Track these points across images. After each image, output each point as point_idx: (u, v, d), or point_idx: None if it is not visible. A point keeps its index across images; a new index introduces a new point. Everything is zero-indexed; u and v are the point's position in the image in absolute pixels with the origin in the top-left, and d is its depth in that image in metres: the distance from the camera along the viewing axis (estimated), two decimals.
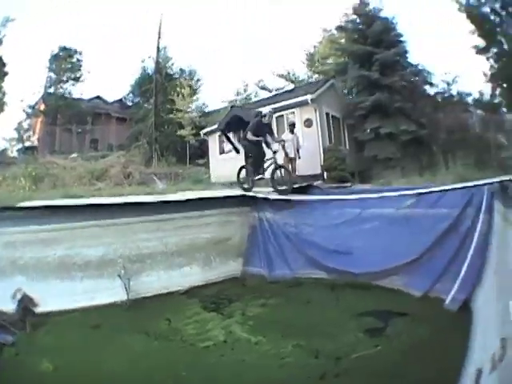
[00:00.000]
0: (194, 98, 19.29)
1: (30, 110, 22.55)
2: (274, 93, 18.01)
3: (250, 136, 8.32)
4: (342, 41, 15.13)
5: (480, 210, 5.91)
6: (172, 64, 20.52)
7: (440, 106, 13.72)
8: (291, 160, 10.36)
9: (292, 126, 10.76)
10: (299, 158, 10.47)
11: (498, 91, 17.70)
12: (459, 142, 12.48)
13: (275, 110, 12.21)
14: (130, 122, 21.50)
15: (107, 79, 38.49)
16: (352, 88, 14.43)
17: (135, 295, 5.62)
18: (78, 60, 22.47)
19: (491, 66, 17.45)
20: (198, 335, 4.76)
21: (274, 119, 12.26)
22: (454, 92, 16.93)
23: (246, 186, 8.96)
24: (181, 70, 20.84)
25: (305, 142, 11.50)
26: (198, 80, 21.13)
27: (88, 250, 5.72)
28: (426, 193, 6.99)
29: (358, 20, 14.09)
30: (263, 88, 21.07)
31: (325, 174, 11.41)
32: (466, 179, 8.97)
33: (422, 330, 4.55)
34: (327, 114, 12.29)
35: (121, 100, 23.87)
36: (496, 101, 17.21)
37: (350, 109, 12.99)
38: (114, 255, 5.80)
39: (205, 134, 14.79)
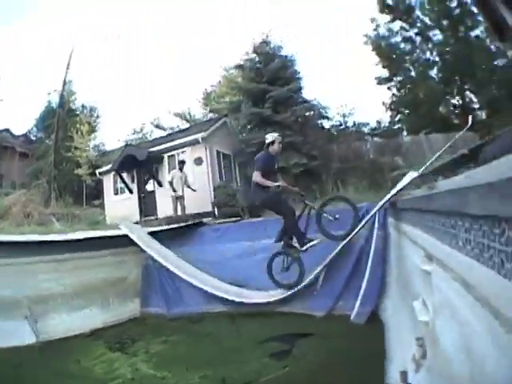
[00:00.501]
0: (92, 135, 18.81)
1: None
2: (168, 131, 18.03)
3: (259, 179, 5.61)
4: (240, 79, 15.16)
5: (373, 227, 6.25)
6: (75, 99, 19.63)
7: (334, 138, 14.22)
8: (178, 198, 10.13)
9: (181, 163, 10.54)
10: (194, 190, 10.37)
11: (397, 118, 19.00)
12: (352, 169, 12.83)
13: (168, 150, 12.05)
14: (32, 157, 20.10)
15: (15, 111, 35.77)
16: (245, 126, 14.45)
17: (46, 337, 5.76)
18: None
19: (393, 95, 18.82)
20: (107, 374, 4.91)
21: (166, 158, 12.04)
22: (350, 123, 17.95)
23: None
24: (82, 105, 20.00)
25: (196, 180, 11.37)
26: (98, 117, 20.52)
27: None
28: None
29: (257, 58, 14.27)
30: (158, 127, 21.16)
31: (216, 210, 11.18)
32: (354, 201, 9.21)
33: (330, 347, 4.76)
34: (218, 152, 12.30)
35: (25, 134, 22.32)
36: (395, 127, 18.38)
37: (241, 146, 13.05)
38: (19, 296, 5.81)
39: (100, 174, 14.18)
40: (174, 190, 9.99)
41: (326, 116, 16.30)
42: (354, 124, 18.13)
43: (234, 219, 9.64)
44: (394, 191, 5.41)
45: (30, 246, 6.13)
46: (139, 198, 12.70)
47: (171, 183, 9.98)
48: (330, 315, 6.23)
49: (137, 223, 11.60)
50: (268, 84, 13.06)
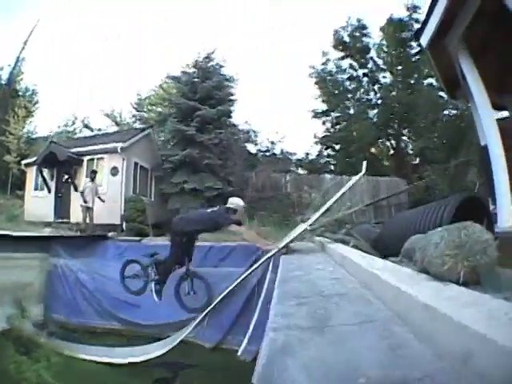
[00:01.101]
0: (28, 121, 18.57)
1: None
2: (95, 132, 18.10)
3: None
4: (174, 91, 15.36)
5: (268, 268, 6.69)
6: (21, 79, 19.17)
7: (259, 163, 14.69)
8: (88, 209, 10.37)
9: (93, 173, 10.76)
10: (103, 201, 10.62)
11: (326, 153, 19.57)
12: (267, 200, 13.49)
13: (88, 153, 12.25)
14: None
15: None
16: (168, 140, 14.78)
17: None
18: None
19: (326, 129, 19.29)
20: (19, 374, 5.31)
21: (86, 162, 12.23)
22: (277, 151, 18.38)
23: None
24: (26, 88, 19.55)
25: (109, 191, 11.65)
26: (37, 102, 20.12)
27: None
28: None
29: (195, 73, 14.36)
30: (87, 126, 21.11)
31: (124, 224, 11.53)
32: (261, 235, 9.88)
33: (214, 379, 5.23)
34: (136, 164, 12.62)
35: None
36: (322, 161, 19.00)
37: (160, 161, 13.39)
38: None
39: (25, 165, 14.01)
40: (85, 201, 10.20)
41: (253, 140, 16.78)
42: (282, 152, 18.46)
43: (137, 238, 10.03)
44: (286, 241, 5.86)
45: None
46: (56, 198, 12.74)
47: (82, 193, 10.22)
48: (218, 347, 6.79)
49: (49, 224, 11.92)
50: (199, 102, 13.30)
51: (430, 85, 16.79)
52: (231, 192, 12.82)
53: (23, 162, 14.22)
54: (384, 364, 1.13)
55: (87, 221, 10.44)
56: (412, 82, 17.49)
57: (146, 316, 7.77)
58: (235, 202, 5.81)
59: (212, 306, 6.39)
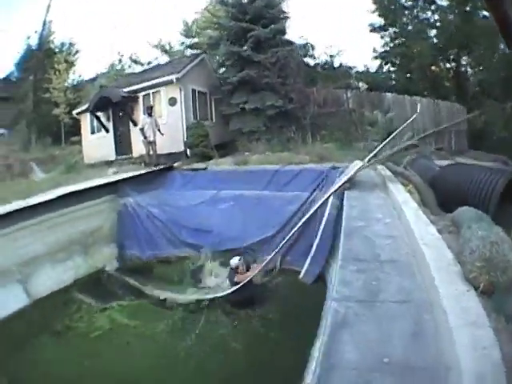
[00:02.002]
0: (72, 70, 18.46)
1: None
2: (145, 67, 17.69)
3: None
4: (222, 14, 14.35)
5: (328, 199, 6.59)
6: (54, 38, 18.81)
7: (319, 76, 13.77)
8: (151, 143, 10.16)
9: (149, 109, 10.44)
10: (162, 134, 10.34)
11: (386, 68, 18.46)
12: (329, 116, 12.66)
13: (143, 89, 11.99)
14: (13, 101, 19.57)
15: None
16: (223, 63, 14.00)
17: (37, 296, 6.11)
18: None
19: (385, 44, 18.11)
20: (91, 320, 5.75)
21: (141, 98, 12.02)
22: (336, 64, 17.46)
23: None
24: (62, 43, 19.10)
25: (169, 121, 11.40)
26: (77, 52, 19.70)
27: None
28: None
29: None
30: (136, 62, 20.33)
31: (188, 151, 11.27)
32: (322, 157, 9.32)
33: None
34: (193, 90, 12.08)
35: (6, 78, 21.57)
36: (382, 76, 17.87)
37: (218, 84, 12.76)
38: (9, 264, 6.06)
39: (77, 114, 13.96)
40: (145, 137, 10.02)
41: (311, 55, 15.93)
42: (341, 65, 17.55)
43: (202, 166, 9.81)
44: (344, 178, 6.26)
45: (9, 216, 6.26)
46: (115, 136, 12.71)
47: (142, 130, 9.96)
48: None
49: (112, 162, 11.93)
50: (251, 22, 12.38)
51: (484, 17, 15.16)
52: (293, 109, 12.17)
53: (74, 111, 14.15)
54: None
55: (151, 153, 10.21)
56: (467, 9, 15.97)
57: (216, 241, 7.80)
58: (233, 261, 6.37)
59: (289, 237, 6.63)
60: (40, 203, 6.78)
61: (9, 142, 17.01)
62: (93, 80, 18.84)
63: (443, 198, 5.21)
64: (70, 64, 18.33)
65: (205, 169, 9.67)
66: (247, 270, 6.21)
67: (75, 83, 18.72)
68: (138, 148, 11.22)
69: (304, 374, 3.61)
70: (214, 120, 13.22)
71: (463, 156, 11.71)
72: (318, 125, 12.27)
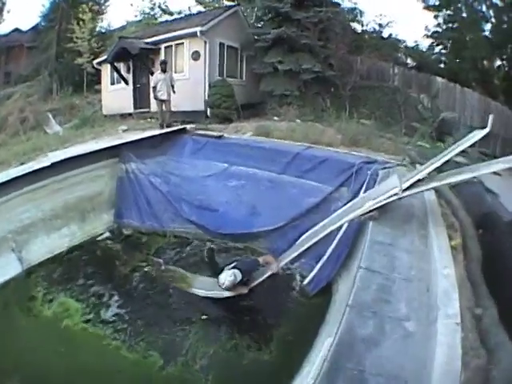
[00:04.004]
0: (99, 19, 17.80)
1: None
2: (175, 17, 16.79)
3: None
4: None
5: (359, 192, 5.52)
6: None
7: (365, 46, 12.39)
8: (164, 102, 8.91)
9: (163, 64, 9.03)
10: (174, 93, 9.02)
11: (437, 49, 16.66)
12: (371, 92, 11.14)
13: (165, 41, 10.95)
14: (38, 50, 19.26)
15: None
16: (260, 17, 12.70)
17: (30, 263, 5.85)
18: None
19: (438, 24, 16.37)
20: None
21: (163, 50, 10.99)
22: (385, 35, 15.96)
23: None
24: None
25: (191, 76, 10.36)
26: (107, 0, 19.04)
27: None
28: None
29: None
30: (164, 11, 19.21)
31: (208, 110, 10.15)
32: (355, 142, 7.84)
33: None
34: (222, 45, 10.87)
35: (34, 27, 21.08)
36: (432, 57, 16.08)
37: (252, 39, 11.34)
38: (4, 232, 5.87)
39: (98, 64, 13.29)
40: (156, 97, 8.89)
41: (359, 20, 14.56)
42: (390, 36, 16.00)
43: (218, 134, 8.46)
44: (371, 203, 4.43)
45: (5, 184, 6.01)
46: (134, 89, 11.98)
47: (154, 88, 8.76)
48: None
49: (130, 115, 11.29)
50: None
51: None
52: (331, 77, 10.72)
53: (95, 61, 13.51)
54: None
55: (163, 110, 9.01)
56: None
57: (221, 222, 6.78)
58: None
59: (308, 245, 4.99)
60: (36, 170, 6.43)
61: (29, 93, 16.74)
62: (122, 29, 18.18)
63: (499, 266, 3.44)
64: (97, 13, 17.53)
65: (219, 137, 8.34)
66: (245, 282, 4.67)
67: (103, 31, 18.04)
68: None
69: None
70: (244, 78, 12.04)
71: None
72: (358, 98, 10.76)
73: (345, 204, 5.34)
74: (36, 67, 18.13)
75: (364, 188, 5.52)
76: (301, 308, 4.76)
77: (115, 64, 11.92)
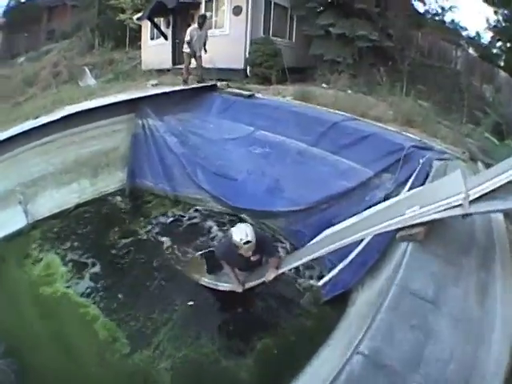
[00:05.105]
0: None
1: None
2: None
3: None
4: None
5: (405, 183, 4.40)
6: None
7: (424, 24, 11.31)
8: (194, 57, 8.26)
9: (202, 18, 8.25)
10: (206, 51, 8.36)
11: (498, 44, 15.48)
12: (431, 70, 9.96)
13: None
14: (81, 8, 19.30)
15: None
16: None
17: (36, 217, 5.73)
18: None
19: (497, 20, 15.20)
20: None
21: (203, 4, 10.36)
22: (447, 19, 15.03)
23: None
24: None
25: (231, 32, 9.70)
26: None
27: None
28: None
29: None
30: None
31: (248, 69, 9.42)
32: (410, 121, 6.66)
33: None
34: (269, 2, 10.01)
35: None
36: (494, 51, 14.97)
37: None
38: (12, 185, 5.77)
39: (137, 19, 13.05)
40: (189, 54, 8.18)
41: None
42: (452, 21, 15.14)
43: (248, 93, 7.60)
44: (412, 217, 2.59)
45: (18, 137, 5.82)
46: (173, 44, 11.61)
47: (189, 43, 8.02)
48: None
49: (168, 70, 10.96)
50: None
51: None
52: (388, 48, 9.64)
53: (135, 17, 13.31)
54: None
55: (195, 65, 8.40)
56: None
57: (238, 193, 6.05)
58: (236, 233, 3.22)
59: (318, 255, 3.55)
60: (48, 123, 6.16)
61: (67, 49, 16.61)
62: None
63: None
64: None
65: (250, 96, 7.43)
66: (259, 257, 3.60)
67: None
68: None
69: None
70: (293, 40, 11.18)
71: None
72: (416, 76, 9.61)
73: (385, 197, 4.31)
74: (78, 24, 18.03)
75: (412, 180, 4.28)
76: (303, 316, 3.90)
77: (155, 19, 11.64)
